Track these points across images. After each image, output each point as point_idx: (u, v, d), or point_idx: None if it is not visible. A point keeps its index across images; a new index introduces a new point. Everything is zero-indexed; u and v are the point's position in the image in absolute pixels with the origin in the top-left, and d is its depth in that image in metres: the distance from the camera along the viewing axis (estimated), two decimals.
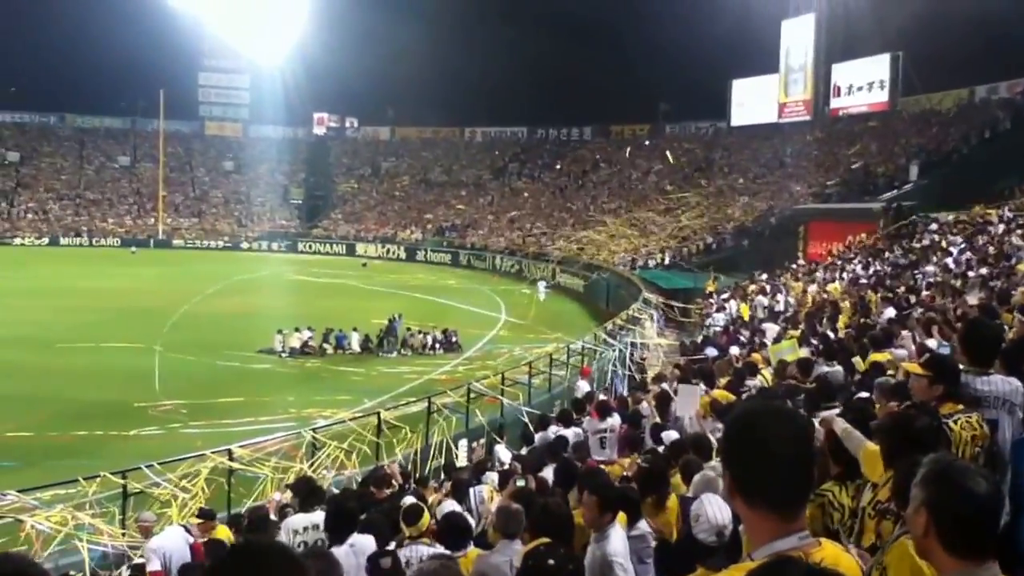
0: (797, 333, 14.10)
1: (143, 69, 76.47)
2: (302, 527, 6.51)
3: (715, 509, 4.33)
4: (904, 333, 10.30)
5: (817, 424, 4.56)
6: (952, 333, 7.96)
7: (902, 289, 16.01)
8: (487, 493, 8.49)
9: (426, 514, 6.09)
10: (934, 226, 25.95)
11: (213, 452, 11.90)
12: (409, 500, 7.52)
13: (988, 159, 36.44)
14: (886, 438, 3.62)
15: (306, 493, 7.10)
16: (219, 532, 8.26)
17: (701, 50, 62.19)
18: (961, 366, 4.64)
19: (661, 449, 8.32)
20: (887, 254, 24.10)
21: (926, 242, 23.42)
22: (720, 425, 8.16)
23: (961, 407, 4.08)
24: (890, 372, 7.61)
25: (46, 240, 67.86)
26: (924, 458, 2.23)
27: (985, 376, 4.34)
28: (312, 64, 76.50)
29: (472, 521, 7.14)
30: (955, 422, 3.86)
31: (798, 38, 56.59)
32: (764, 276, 28.04)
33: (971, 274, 15.42)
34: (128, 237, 69.65)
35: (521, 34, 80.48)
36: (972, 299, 11.52)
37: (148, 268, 51.04)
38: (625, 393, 14.78)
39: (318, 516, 6.42)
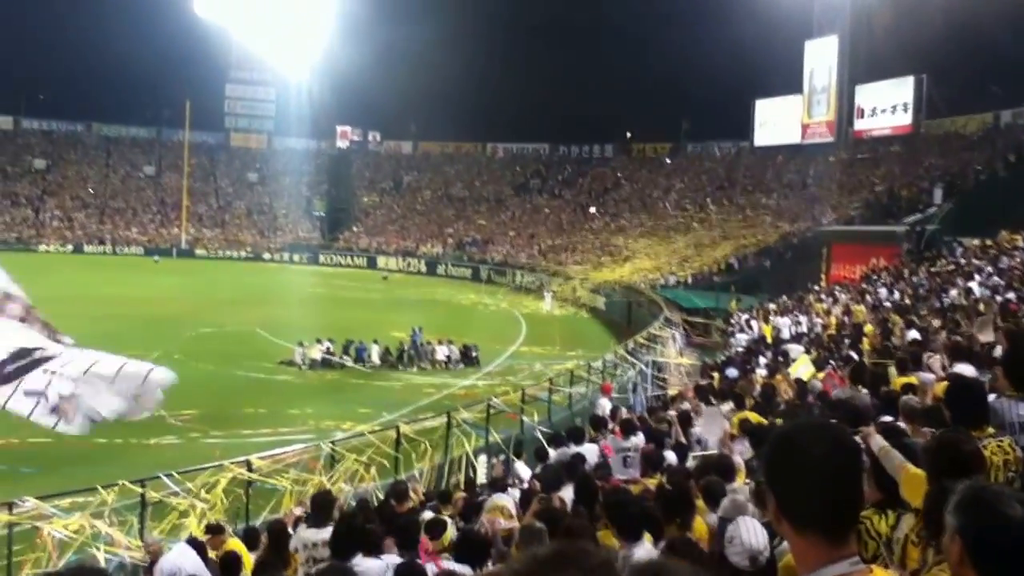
0: (814, 355, 13.99)
1: (170, 79, 77.87)
2: (311, 542, 6.52)
3: (750, 532, 4.22)
4: (929, 356, 10.13)
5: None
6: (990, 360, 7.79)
7: (925, 312, 15.82)
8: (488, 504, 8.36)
9: (450, 528, 6.03)
10: (959, 250, 25.69)
11: (232, 463, 11.88)
12: (429, 514, 7.45)
13: (1013, 184, 36.04)
14: (932, 462, 3.52)
15: (320, 507, 7.07)
16: (231, 545, 8.21)
17: (724, 69, 62.42)
18: (993, 394, 4.54)
19: (688, 464, 8.22)
20: (912, 277, 23.85)
21: (950, 267, 23.16)
22: (746, 446, 8.05)
23: (991, 431, 3.97)
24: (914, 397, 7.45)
25: (71, 247, 68.69)
26: (956, 484, 2.15)
27: None
28: (337, 78, 77.46)
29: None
30: (985, 447, 3.76)
31: (822, 59, 56.40)
32: (786, 297, 27.85)
33: (999, 298, 15.20)
34: (151, 246, 70.37)
35: (544, 51, 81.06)
36: (984, 336, 11.28)
37: (170, 277, 51.46)
38: (646, 411, 14.66)
39: (328, 532, 6.41)
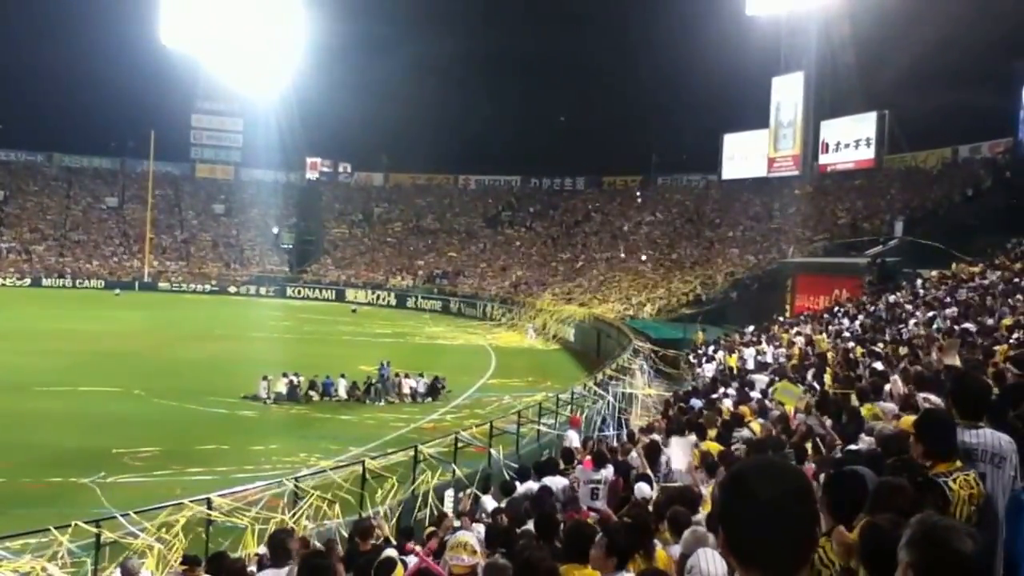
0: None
1: (134, 109, 75.77)
2: None
3: (709, 562, 4.26)
4: (890, 388, 10.23)
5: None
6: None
7: (882, 345, 16.00)
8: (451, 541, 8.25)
9: (399, 568, 5.94)
10: (919, 282, 26.13)
11: (191, 501, 11.62)
12: (391, 552, 7.34)
13: (970, 217, 36.87)
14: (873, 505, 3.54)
15: (278, 547, 6.95)
16: None
17: (693, 104, 63.41)
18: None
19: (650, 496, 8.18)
20: (872, 308, 24.19)
21: (910, 297, 23.53)
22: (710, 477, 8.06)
23: (959, 465, 3.99)
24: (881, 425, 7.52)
25: (28, 281, 67.20)
26: (912, 519, 2.16)
27: (974, 429, 4.28)
28: (306, 109, 77.00)
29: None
30: (954, 481, 3.79)
31: (788, 94, 57.58)
32: (752, 328, 28.09)
33: (956, 328, 15.42)
34: (112, 279, 69.07)
35: (516, 84, 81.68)
36: (949, 359, 11.45)
37: (131, 311, 50.65)
38: (615, 443, 14.63)
39: (286, 571, 6.31)
